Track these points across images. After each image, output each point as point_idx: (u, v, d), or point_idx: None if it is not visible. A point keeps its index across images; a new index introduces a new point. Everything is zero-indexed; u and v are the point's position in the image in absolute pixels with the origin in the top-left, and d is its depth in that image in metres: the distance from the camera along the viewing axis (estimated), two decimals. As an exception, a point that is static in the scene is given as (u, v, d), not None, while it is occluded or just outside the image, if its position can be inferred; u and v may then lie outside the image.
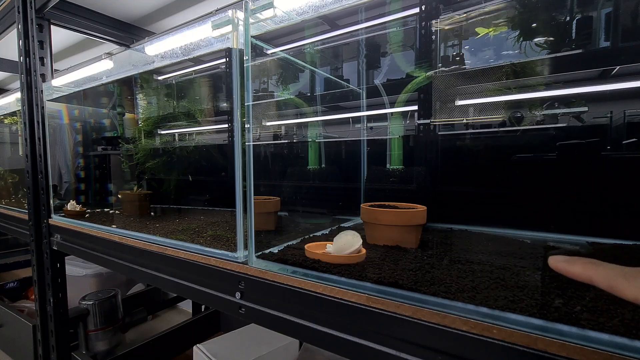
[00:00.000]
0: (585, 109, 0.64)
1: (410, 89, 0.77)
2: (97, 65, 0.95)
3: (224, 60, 1.23)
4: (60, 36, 1.40)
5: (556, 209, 0.66)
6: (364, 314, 0.44)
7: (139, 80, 1.29)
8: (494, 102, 0.72)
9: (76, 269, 1.63)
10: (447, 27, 0.74)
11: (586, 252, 0.57)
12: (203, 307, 1.61)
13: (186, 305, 1.77)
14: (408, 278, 0.45)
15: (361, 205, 0.65)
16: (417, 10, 0.80)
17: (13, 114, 1.65)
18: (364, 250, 0.53)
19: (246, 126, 0.57)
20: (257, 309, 0.55)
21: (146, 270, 0.75)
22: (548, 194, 0.67)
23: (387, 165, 0.80)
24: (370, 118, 0.93)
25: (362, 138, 0.93)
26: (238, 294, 0.58)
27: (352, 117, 1.01)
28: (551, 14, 0.64)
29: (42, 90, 1.09)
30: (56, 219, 1.06)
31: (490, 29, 0.65)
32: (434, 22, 0.76)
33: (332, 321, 0.47)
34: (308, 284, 0.49)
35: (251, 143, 0.57)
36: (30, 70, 1.10)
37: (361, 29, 0.95)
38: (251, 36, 0.58)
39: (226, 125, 1.17)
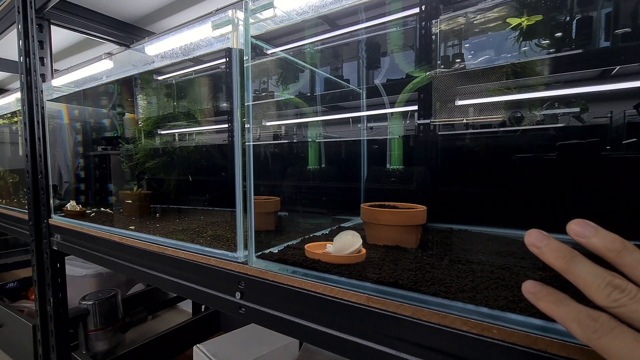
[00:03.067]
0: (578, 109, 0.64)
1: (410, 89, 0.76)
2: (97, 65, 0.95)
3: (224, 60, 1.23)
4: (60, 36, 1.40)
5: (556, 209, 0.66)
6: (364, 314, 0.44)
7: (139, 80, 1.29)
8: (494, 102, 0.72)
9: (76, 269, 1.63)
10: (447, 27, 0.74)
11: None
12: (203, 307, 1.61)
13: (186, 305, 1.77)
14: (408, 278, 0.45)
15: (361, 205, 0.65)
16: (417, 10, 0.80)
17: (13, 114, 1.65)
18: (364, 250, 0.53)
19: (246, 126, 0.57)
20: (257, 309, 0.55)
21: (146, 270, 0.75)
22: (548, 194, 0.67)
23: (387, 165, 0.80)
24: (370, 118, 0.93)
25: (362, 138, 0.93)
26: (238, 294, 0.58)
27: (352, 117, 1.01)
28: (551, 14, 0.64)
29: (42, 90, 1.09)
30: (56, 219, 1.06)
31: (523, 19, 0.62)
32: (434, 21, 0.77)
33: (332, 321, 0.47)
34: (308, 284, 0.49)
35: (251, 143, 0.57)
36: (30, 70, 1.10)
37: (361, 29, 0.95)
38: (251, 36, 0.58)
39: (226, 125, 1.17)
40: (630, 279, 0.25)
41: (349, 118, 1.02)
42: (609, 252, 0.26)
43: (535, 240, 0.29)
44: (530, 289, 0.29)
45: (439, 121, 0.78)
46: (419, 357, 0.40)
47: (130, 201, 1.09)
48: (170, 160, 1.19)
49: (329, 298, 0.47)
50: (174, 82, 1.27)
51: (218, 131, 1.21)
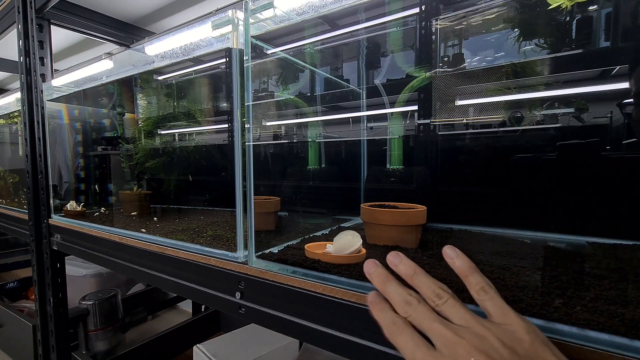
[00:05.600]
0: (578, 109, 0.64)
1: (410, 89, 0.77)
2: (97, 65, 0.95)
3: (224, 60, 1.23)
4: (60, 36, 1.40)
5: (556, 209, 0.66)
6: (364, 314, 0.44)
7: (139, 80, 1.29)
8: (494, 102, 0.72)
9: (76, 269, 1.63)
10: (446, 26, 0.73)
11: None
12: (203, 307, 1.61)
13: (186, 305, 1.77)
14: (408, 278, 0.45)
15: (361, 205, 0.65)
16: (417, 10, 0.80)
17: (12, 115, 1.65)
18: (364, 250, 0.53)
19: (246, 126, 0.57)
20: (257, 309, 0.55)
21: (146, 270, 0.75)
22: (548, 194, 0.67)
23: (387, 165, 0.80)
24: (370, 118, 0.93)
25: (362, 138, 0.93)
26: (238, 294, 0.58)
27: (352, 117, 1.01)
28: (551, 13, 0.64)
29: (42, 90, 1.09)
30: (56, 219, 1.06)
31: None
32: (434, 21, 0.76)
33: (332, 321, 0.47)
34: (308, 284, 0.49)
35: (251, 143, 0.57)
36: (30, 70, 1.10)
37: (361, 29, 0.95)
38: (251, 36, 0.58)
39: (226, 125, 1.17)
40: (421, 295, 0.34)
41: (349, 118, 1.02)
42: (405, 276, 0.36)
43: (367, 268, 0.38)
44: (369, 298, 0.37)
45: (439, 121, 0.78)
46: (419, 357, 0.40)
47: (130, 201, 1.09)
48: (170, 160, 1.19)
49: (329, 298, 0.47)
50: (174, 82, 1.27)
51: (218, 131, 1.21)
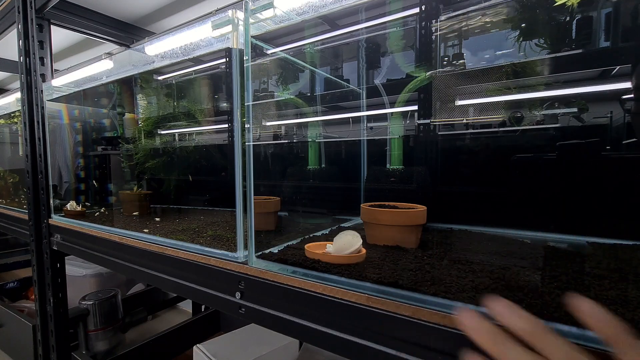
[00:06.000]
0: (578, 109, 0.64)
1: (410, 89, 0.76)
2: (97, 65, 0.95)
3: (224, 60, 1.23)
4: (60, 36, 1.40)
5: (556, 209, 0.66)
6: (364, 314, 0.44)
7: (139, 80, 1.29)
8: (494, 102, 0.72)
9: (76, 269, 1.63)
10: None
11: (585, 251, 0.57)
12: (203, 307, 1.61)
13: (186, 305, 1.77)
14: (408, 278, 0.45)
15: (361, 205, 0.65)
16: (417, 10, 0.80)
17: (10, 115, 1.65)
18: (364, 250, 0.53)
19: (246, 126, 0.57)
20: (257, 309, 0.55)
21: (146, 270, 0.75)
22: (548, 194, 0.67)
23: (387, 165, 0.80)
24: (370, 118, 0.93)
25: (362, 138, 0.93)
26: (238, 294, 0.58)
27: (352, 117, 1.01)
28: (552, 13, 0.64)
29: (42, 90, 1.09)
30: (56, 219, 1.06)
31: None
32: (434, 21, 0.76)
33: (332, 321, 0.47)
34: (308, 284, 0.49)
35: (251, 143, 0.57)
36: (30, 70, 1.10)
37: (361, 29, 0.95)
38: (251, 36, 0.58)
39: (226, 125, 1.17)
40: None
41: (349, 118, 1.02)
42: (522, 333, 0.28)
43: (466, 321, 0.30)
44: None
45: (439, 121, 0.78)
46: (418, 357, 0.40)
47: (130, 201, 1.09)
48: (170, 160, 1.19)
49: (329, 298, 0.47)
50: (174, 82, 1.27)
51: (218, 131, 1.21)
